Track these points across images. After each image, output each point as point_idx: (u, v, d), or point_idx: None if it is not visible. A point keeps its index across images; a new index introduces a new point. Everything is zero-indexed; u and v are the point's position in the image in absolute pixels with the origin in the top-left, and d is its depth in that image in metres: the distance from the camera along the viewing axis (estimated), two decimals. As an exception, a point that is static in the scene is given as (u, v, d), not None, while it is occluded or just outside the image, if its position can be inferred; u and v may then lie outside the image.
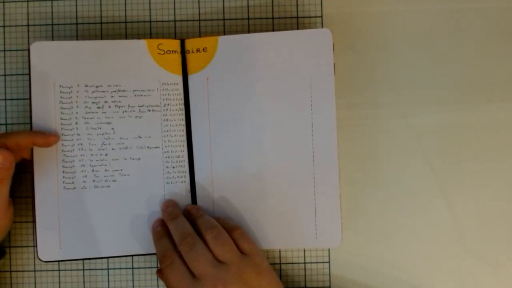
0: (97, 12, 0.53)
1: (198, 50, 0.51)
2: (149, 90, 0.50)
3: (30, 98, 0.49)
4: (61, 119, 0.50)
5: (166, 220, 0.49)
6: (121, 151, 0.50)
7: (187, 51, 0.51)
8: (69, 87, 0.50)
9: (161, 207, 0.50)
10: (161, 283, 0.53)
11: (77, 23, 0.53)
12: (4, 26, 0.53)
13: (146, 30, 0.53)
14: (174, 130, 0.51)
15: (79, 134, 0.50)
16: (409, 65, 0.53)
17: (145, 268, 0.53)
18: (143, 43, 0.50)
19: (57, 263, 0.52)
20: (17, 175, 0.49)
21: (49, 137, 0.48)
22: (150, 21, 0.53)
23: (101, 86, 0.50)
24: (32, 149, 0.49)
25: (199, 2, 0.54)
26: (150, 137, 0.50)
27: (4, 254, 0.52)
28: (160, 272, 0.47)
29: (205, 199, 0.51)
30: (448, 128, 0.53)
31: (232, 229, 0.48)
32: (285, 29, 0.53)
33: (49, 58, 0.49)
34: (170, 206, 0.50)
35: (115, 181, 0.50)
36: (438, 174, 0.53)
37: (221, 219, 0.49)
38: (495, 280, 0.53)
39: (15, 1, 0.53)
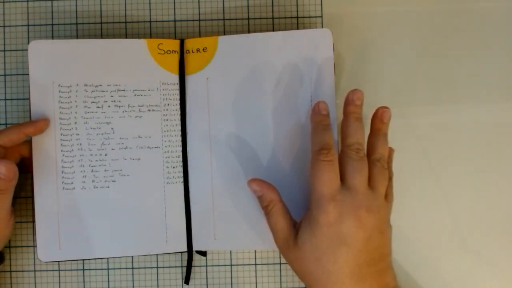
0: (97, 12, 0.53)
1: (198, 50, 0.51)
2: (149, 90, 0.50)
3: (29, 98, 0.49)
4: (60, 118, 0.49)
5: (347, 116, 0.47)
6: (121, 151, 0.50)
7: (187, 51, 0.51)
8: (68, 87, 0.50)
9: (346, 98, 0.47)
10: (160, 283, 0.53)
11: (77, 23, 0.53)
12: (4, 26, 0.53)
13: (146, 30, 0.53)
14: (174, 130, 0.51)
15: (78, 134, 0.50)
16: (409, 65, 0.53)
17: (145, 268, 0.53)
18: (143, 42, 0.50)
19: (57, 263, 0.52)
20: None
21: (38, 123, 0.48)
22: (150, 21, 0.53)
23: (100, 85, 0.50)
24: (31, 146, 0.49)
25: (199, 2, 0.54)
26: (150, 137, 0.50)
27: (3, 260, 0.52)
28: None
29: (205, 200, 0.51)
30: (448, 128, 0.53)
31: (384, 179, 0.47)
32: (285, 29, 0.53)
33: (48, 57, 0.49)
34: (359, 99, 0.47)
35: (114, 181, 0.50)
36: (438, 174, 0.53)
37: (382, 136, 0.48)
38: (495, 280, 0.53)
39: (15, 1, 0.53)
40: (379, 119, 0.48)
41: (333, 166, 0.44)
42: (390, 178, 0.48)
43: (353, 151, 0.45)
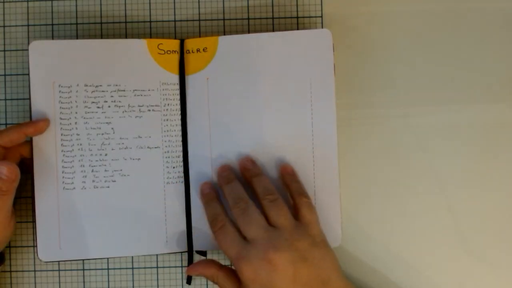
0: (97, 12, 0.53)
1: (198, 50, 0.51)
2: (149, 90, 0.50)
3: (29, 98, 0.49)
4: (61, 119, 0.49)
5: (220, 184, 0.49)
6: (121, 151, 0.50)
7: (187, 51, 0.51)
8: (69, 87, 0.49)
9: (217, 172, 0.50)
10: (160, 283, 0.53)
11: (77, 23, 0.53)
12: (4, 26, 0.53)
13: (146, 30, 0.53)
14: (174, 130, 0.51)
15: (78, 134, 0.50)
16: (409, 65, 0.53)
17: (145, 268, 0.53)
18: (143, 42, 0.50)
19: (57, 263, 0.52)
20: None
21: (38, 123, 0.48)
22: (150, 21, 0.53)
23: (100, 85, 0.50)
24: (31, 146, 0.49)
25: (199, 2, 0.54)
26: (150, 137, 0.50)
27: (4, 260, 0.52)
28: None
29: (205, 199, 0.51)
30: (448, 128, 0.53)
31: (300, 194, 0.48)
32: (285, 29, 0.53)
33: (49, 57, 0.49)
34: (226, 170, 0.49)
35: (115, 181, 0.50)
36: (438, 174, 0.53)
37: (294, 182, 0.49)
38: (495, 280, 0.53)
39: (15, 1, 0.53)
40: (244, 169, 0.49)
41: (226, 230, 0.46)
42: (302, 194, 0.48)
43: (235, 207, 0.47)
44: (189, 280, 0.52)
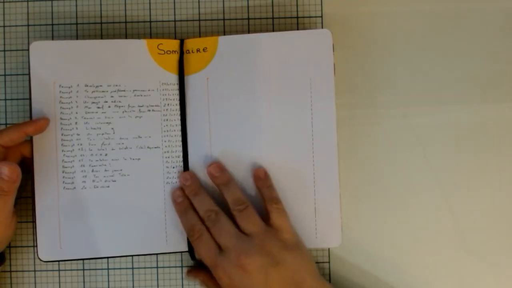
0: (97, 12, 0.53)
1: (198, 50, 0.51)
2: (149, 90, 0.50)
3: (30, 98, 0.49)
4: (61, 119, 0.50)
5: (188, 195, 0.50)
6: (121, 151, 0.50)
7: (187, 51, 0.51)
8: (69, 87, 0.50)
9: (179, 179, 0.50)
10: (160, 283, 0.53)
11: (77, 23, 0.53)
12: (4, 26, 0.53)
13: (146, 30, 0.53)
14: (174, 130, 0.51)
15: (78, 134, 0.50)
16: (409, 65, 0.53)
17: (145, 268, 0.53)
18: (143, 43, 0.50)
19: (57, 263, 0.52)
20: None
21: (38, 122, 0.48)
22: (150, 21, 0.53)
23: (101, 86, 0.50)
24: (31, 146, 0.49)
25: (199, 2, 0.54)
26: (150, 137, 0.50)
27: (4, 260, 0.52)
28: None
29: (205, 199, 0.51)
30: (448, 128, 0.53)
31: (270, 200, 0.49)
32: (285, 29, 0.53)
33: (49, 57, 0.49)
34: (188, 179, 0.50)
35: (115, 181, 0.50)
36: (438, 174, 0.53)
37: (265, 188, 0.49)
38: (495, 280, 0.53)
39: (15, 1, 0.53)
40: (213, 177, 0.50)
41: (202, 239, 0.47)
42: (273, 200, 0.49)
43: (206, 219, 0.48)
44: (193, 256, 0.51)
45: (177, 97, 0.51)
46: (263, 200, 0.49)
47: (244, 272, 0.45)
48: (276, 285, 0.45)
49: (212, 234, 0.47)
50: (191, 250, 0.50)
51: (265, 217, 0.48)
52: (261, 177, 0.49)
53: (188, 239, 0.50)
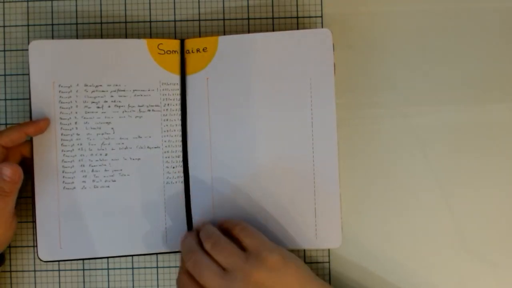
0: (97, 12, 0.53)
1: (198, 50, 0.51)
2: (149, 90, 0.50)
3: (29, 98, 0.49)
4: (61, 118, 0.50)
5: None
6: (121, 151, 0.50)
7: (187, 51, 0.51)
8: (69, 87, 0.50)
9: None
10: (160, 283, 0.53)
11: (77, 23, 0.53)
12: (4, 26, 0.53)
13: (146, 30, 0.53)
14: (174, 130, 0.51)
15: (78, 134, 0.50)
16: (409, 65, 0.53)
17: (145, 268, 0.53)
18: (143, 42, 0.50)
19: (57, 263, 0.52)
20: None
21: (38, 123, 0.48)
22: (150, 21, 0.53)
23: (100, 85, 0.50)
24: (31, 146, 0.49)
25: (199, 2, 0.54)
26: (150, 137, 0.50)
27: (4, 261, 0.52)
28: None
29: (204, 200, 0.51)
30: (448, 128, 0.53)
31: (233, 226, 0.47)
32: (285, 29, 0.53)
33: (48, 57, 0.49)
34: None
35: (115, 181, 0.50)
36: (438, 174, 0.53)
37: (222, 220, 0.48)
38: (495, 280, 0.53)
39: (15, 1, 0.53)
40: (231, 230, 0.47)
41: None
42: (233, 224, 0.47)
43: (189, 263, 0.45)
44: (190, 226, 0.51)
45: (177, 97, 0.51)
46: (230, 232, 0.47)
47: None
48: None
49: (194, 277, 0.45)
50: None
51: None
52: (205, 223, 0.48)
53: None
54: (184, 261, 0.46)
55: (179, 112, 0.51)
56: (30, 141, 0.49)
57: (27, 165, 0.50)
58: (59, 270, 0.53)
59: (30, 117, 0.49)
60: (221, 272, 0.44)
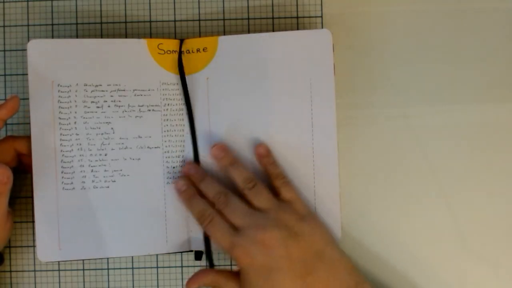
0: (97, 12, 0.53)
1: (198, 50, 0.51)
2: (149, 90, 0.50)
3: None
4: (60, 118, 0.49)
5: (195, 182, 0.49)
6: (121, 151, 0.50)
7: (187, 51, 0.51)
8: (68, 86, 0.49)
9: (183, 171, 0.50)
10: (160, 283, 0.53)
11: (77, 23, 0.53)
12: (4, 26, 0.53)
13: (146, 30, 0.53)
14: (175, 130, 0.51)
15: (78, 134, 0.50)
16: (409, 65, 0.53)
17: (145, 268, 0.53)
18: (143, 42, 0.50)
19: (57, 263, 0.52)
20: (17, 174, 0.49)
21: (7, 104, 0.47)
22: (150, 21, 0.53)
23: (100, 85, 0.50)
24: (27, 143, 0.49)
25: (199, 2, 0.54)
26: (150, 137, 0.50)
27: (3, 260, 0.51)
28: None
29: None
30: (448, 128, 0.53)
31: (276, 176, 0.48)
32: (285, 29, 0.53)
33: (47, 56, 0.49)
34: (192, 169, 0.49)
35: (114, 181, 0.50)
36: (438, 174, 0.53)
37: (269, 165, 0.49)
38: (495, 280, 0.53)
39: (15, 1, 0.53)
40: (218, 159, 0.49)
41: (215, 223, 0.46)
42: (279, 176, 0.49)
43: (217, 202, 0.47)
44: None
45: (178, 97, 0.51)
46: (269, 177, 0.49)
47: (264, 248, 0.44)
48: (298, 257, 0.44)
49: (225, 216, 0.46)
50: (197, 252, 0.51)
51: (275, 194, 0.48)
52: (263, 154, 0.49)
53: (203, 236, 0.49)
54: (214, 198, 0.47)
55: (180, 112, 0.51)
56: (25, 137, 0.49)
57: (24, 164, 0.50)
58: (59, 270, 0.52)
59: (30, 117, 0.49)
60: (253, 211, 0.46)
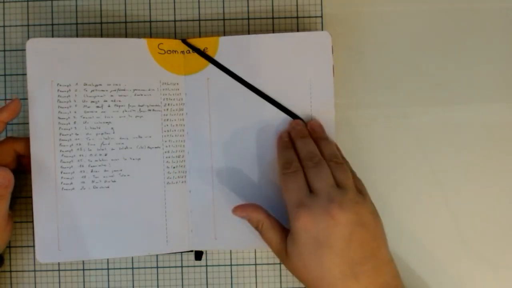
0: (97, 12, 0.53)
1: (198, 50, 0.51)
2: (149, 90, 0.50)
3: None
4: (59, 118, 0.49)
5: (294, 137, 0.49)
6: (121, 151, 0.50)
7: (188, 51, 0.51)
8: (68, 86, 0.49)
9: (289, 124, 0.50)
10: (160, 283, 0.53)
11: (77, 23, 0.53)
12: (4, 26, 0.53)
13: (146, 30, 0.53)
14: (175, 130, 0.51)
15: (77, 134, 0.49)
16: (409, 65, 0.53)
17: (145, 268, 0.53)
18: (143, 42, 0.50)
19: (57, 263, 0.52)
20: (17, 175, 0.49)
21: (9, 107, 0.47)
22: (150, 21, 0.53)
23: (100, 85, 0.50)
24: (26, 144, 0.48)
25: (199, 2, 0.54)
26: (150, 137, 0.50)
27: (3, 262, 0.51)
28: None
29: (205, 200, 0.51)
30: (448, 128, 0.53)
31: (330, 158, 0.47)
32: (285, 29, 0.53)
33: (47, 55, 0.49)
34: (299, 125, 0.49)
35: (114, 181, 0.50)
36: (438, 174, 0.53)
37: (321, 140, 0.49)
38: (495, 280, 0.53)
39: (15, 1, 0.53)
40: (312, 131, 0.49)
41: (296, 175, 0.46)
42: (352, 173, 0.49)
43: (307, 160, 0.46)
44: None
45: (178, 96, 0.51)
46: (323, 156, 0.48)
47: (332, 221, 0.43)
48: (356, 244, 0.44)
49: (308, 174, 0.46)
50: (197, 252, 0.51)
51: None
52: (315, 129, 0.49)
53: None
54: (306, 157, 0.47)
55: (180, 112, 0.51)
56: (24, 139, 0.49)
57: (23, 165, 0.49)
58: (59, 270, 0.52)
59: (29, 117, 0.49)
60: (335, 185, 0.45)
